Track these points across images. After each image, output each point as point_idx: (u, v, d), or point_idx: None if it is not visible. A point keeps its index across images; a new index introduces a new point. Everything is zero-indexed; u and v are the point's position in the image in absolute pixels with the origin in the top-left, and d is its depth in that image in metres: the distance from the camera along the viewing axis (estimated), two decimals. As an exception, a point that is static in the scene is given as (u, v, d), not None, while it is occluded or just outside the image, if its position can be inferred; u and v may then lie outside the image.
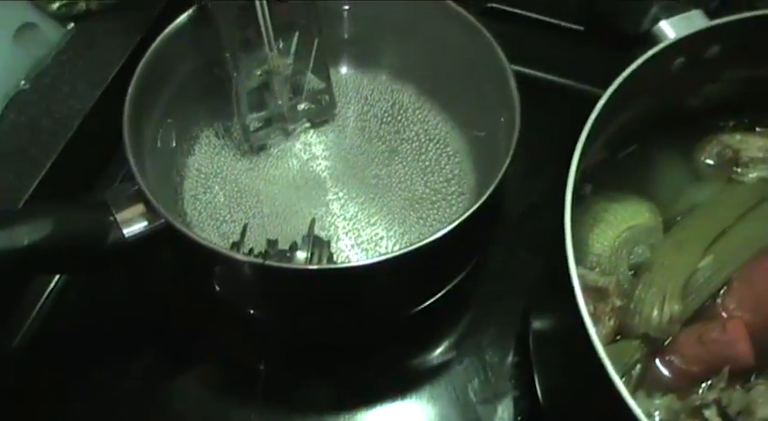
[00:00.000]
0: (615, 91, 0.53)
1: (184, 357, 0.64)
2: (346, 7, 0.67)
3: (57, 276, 0.66)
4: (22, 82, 0.70)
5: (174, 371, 0.63)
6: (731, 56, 0.60)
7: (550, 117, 0.67)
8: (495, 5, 0.81)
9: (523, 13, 0.81)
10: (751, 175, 0.63)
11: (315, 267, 0.55)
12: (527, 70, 0.77)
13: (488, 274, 0.67)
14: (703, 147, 0.64)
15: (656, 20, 0.59)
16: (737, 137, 0.64)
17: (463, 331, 0.65)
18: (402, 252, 0.52)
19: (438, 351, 0.64)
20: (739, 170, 0.63)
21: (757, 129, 0.65)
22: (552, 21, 0.79)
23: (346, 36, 0.69)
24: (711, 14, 0.59)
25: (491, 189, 0.54)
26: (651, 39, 0.59)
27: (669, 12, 0.59)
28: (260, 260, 0.52)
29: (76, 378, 0.63)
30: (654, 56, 0.56)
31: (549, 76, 0.78)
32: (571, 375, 0.52)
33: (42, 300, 0.65)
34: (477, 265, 0.63)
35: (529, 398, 0.62)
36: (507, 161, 0.55)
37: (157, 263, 0.60)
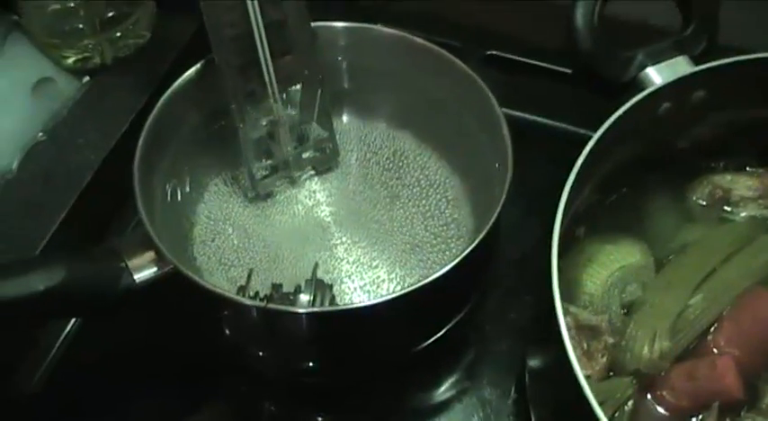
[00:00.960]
0: (601, 137, 0.55)
1: (194, 398, 0.66)
2: (340, 58, 0.69)
3: (72, 320, 0.68)
4: (40, 134, 0.72)
5: (183, 412, 0.65)
6: (717, 100, 0.62)
7: (548, 160, 0.68)
8: (495, 52, 0.83)
9: (522, 59, 0.83)
10: (742, 214, 0.65)
11: (316, 309, 0.57)
12: (524, 115, 0.79)
13: (489, 314, 0.68)
14: (694, 188, 0.66)
15: (643, 67, 0.61)
16: (728, 177, 0.66)
17: (464, 369, 0.66)
18: (399, 294, 0.54)
19: (439, 389, 0.65)
20: (730, 209, 0.65)
21: (747, 168, 0.66)
22: (548, 66, 0.81)
23: (346, 86, 0.71)
24: (696, 60, 0.61)
25: (484, 232, 0.56)
26: (638, 85, 0.61)
27: (655, 58, 0.61)
28: (263, 303, 0.54)
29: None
30: (640, 101, 0.58)
31: (547, 121, 0.80)
32: (563, 413, 0.53)
33: (58, 344, 0.67)
34: (478, 306, 0.64)
35: (527, 436, 0.64)
36: (499, 206, 0.57)
37: (169, 306, 0.62)
